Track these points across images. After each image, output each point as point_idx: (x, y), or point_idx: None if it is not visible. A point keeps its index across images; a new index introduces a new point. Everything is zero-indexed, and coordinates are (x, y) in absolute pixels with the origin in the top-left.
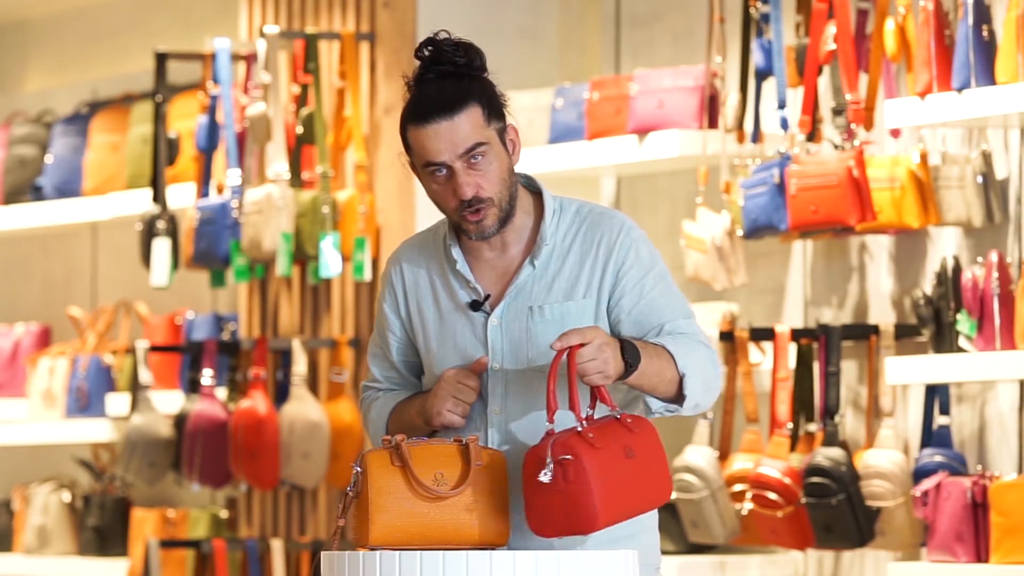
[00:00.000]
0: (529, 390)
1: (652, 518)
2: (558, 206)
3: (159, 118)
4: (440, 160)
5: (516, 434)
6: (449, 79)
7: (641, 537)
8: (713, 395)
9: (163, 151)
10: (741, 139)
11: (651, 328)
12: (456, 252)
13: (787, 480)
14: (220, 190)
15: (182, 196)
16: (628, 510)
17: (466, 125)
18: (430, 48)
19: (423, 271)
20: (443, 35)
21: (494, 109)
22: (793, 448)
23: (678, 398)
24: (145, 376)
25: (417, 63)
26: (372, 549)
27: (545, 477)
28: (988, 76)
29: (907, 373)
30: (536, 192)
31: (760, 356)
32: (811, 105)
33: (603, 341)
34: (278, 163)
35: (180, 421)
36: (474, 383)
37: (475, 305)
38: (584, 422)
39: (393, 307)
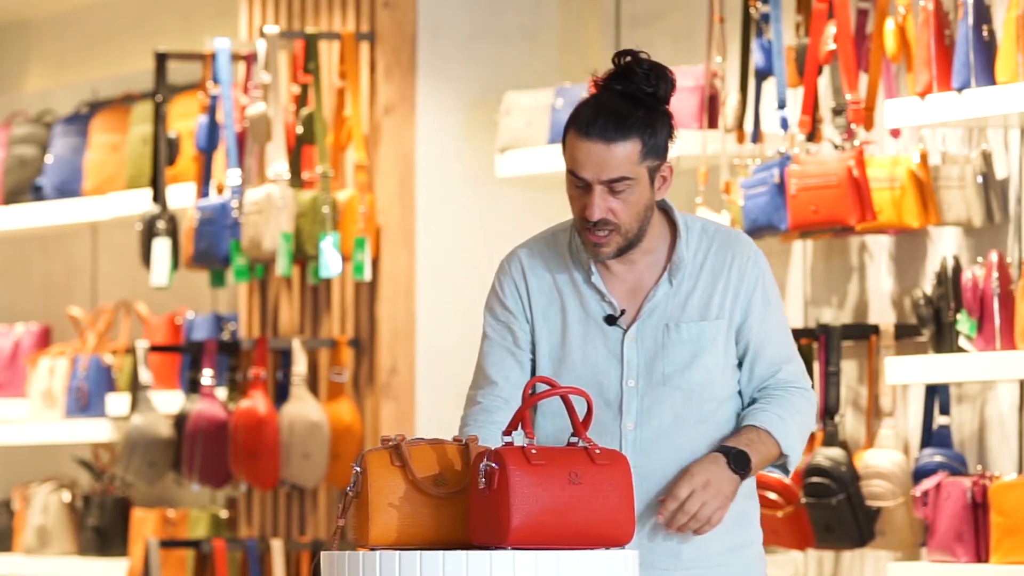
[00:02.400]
0: (662, 406)
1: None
2: (684, 225)
3: (159, 118)
4: (583, 176)
5: (649, 450)
6: (627, 101)
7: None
8: (807, 438)
9: (163, 151)
10: (741, 139)
11: (765, 364)
12: (591, 262)
13: (787, 480)
14: (220, 190)
15: (182, 196)
16: (559, 536)
17: (620, 157)
18: (627, 59)
19: (547, 277)
20: (644, 55)
21: (654, 148)
22: None
23: (783, 467)
24: (145, 376)
25: (611, 66)
26: (372, 549)
27: (479, 482)
28: (988, 76)
29: (907, 373)
30: (662, 209)
31: None
32: (811, 105)
33: (705, 484)
34: (278, 163)
35: (180, 421)
36: None
37: (611, 319)
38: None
39: (518, 305)
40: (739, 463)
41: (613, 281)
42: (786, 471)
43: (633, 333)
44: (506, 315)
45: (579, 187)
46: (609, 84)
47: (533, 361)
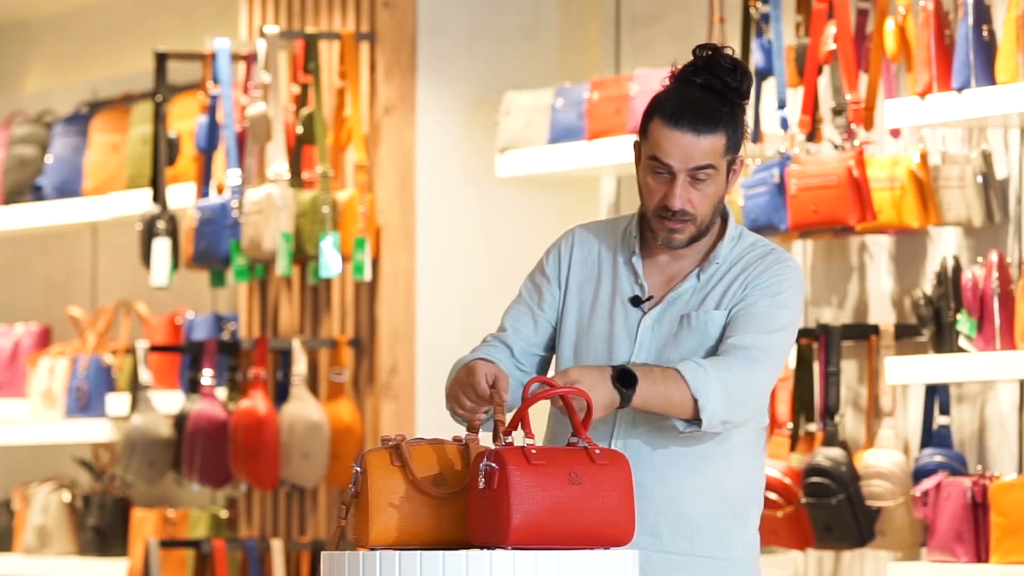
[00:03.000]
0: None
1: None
2: (737, 234)
3: (159, 118)
4: (668, 163)
5: (638, 434)
6: (714, 95)
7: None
8: (749, 410)
9: (163, 151)
10: None
11: (727, 335)
12: (637, 245)
13: (787, 480)
14: (220, 190)
15: (182, 196)
16: (559, 536)
17: (707, 147)
18: (709, 53)
19: (594, 253)
20: (728, 50)
21: (735, 142)
22: (793, 448)
23: (697, 419)
24: (145, 376)
25: (691, 58)
26: (372, 549)
27: (479, 482)
28: (988, 76)
29: (907, 373)
30: (721, 215)
31: None
32: (811, 105)
33: (575, 379)
34: (278, 163)
35: (180, 421)
36: (479, 388)
37: (636, 300)
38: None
39: (556, 274)
40: (623, 380)
41: (653, 268)
42: (699, 422)
43: (651, 318)
44: (541, 279)
45: (660, 174)
46: (691, 76)
47: (553, 328)
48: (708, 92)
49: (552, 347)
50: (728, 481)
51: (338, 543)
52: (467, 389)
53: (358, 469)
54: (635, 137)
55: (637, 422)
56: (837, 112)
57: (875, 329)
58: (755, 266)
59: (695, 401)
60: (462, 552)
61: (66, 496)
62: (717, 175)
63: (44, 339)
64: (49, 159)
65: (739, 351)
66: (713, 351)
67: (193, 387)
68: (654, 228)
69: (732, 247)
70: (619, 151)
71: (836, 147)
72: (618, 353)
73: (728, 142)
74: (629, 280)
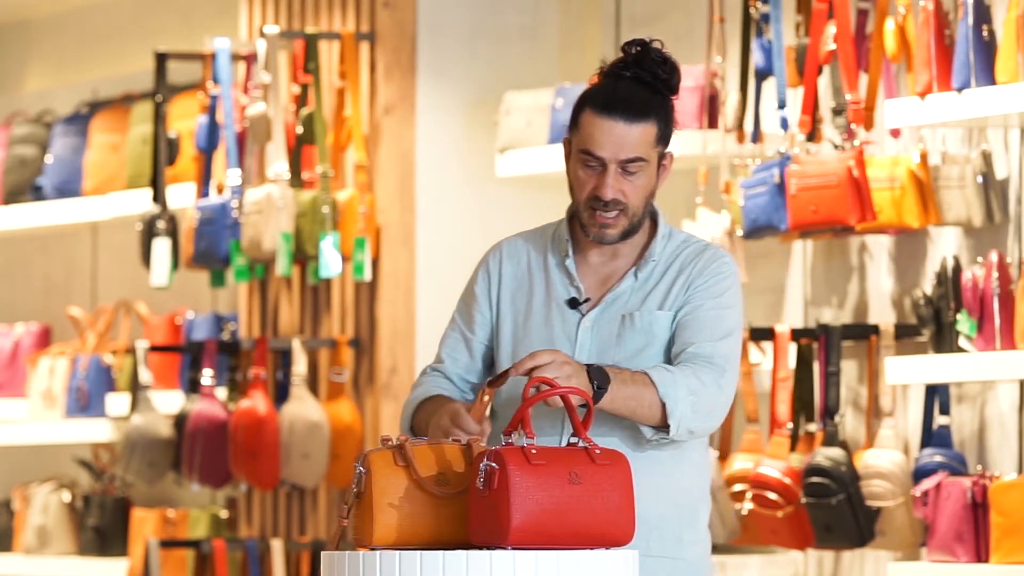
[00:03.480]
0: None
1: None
2: (668, 232)
3: (159, 118)
4: (600, 155)
5: (592, 434)
6: (644, 87)
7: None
8: (715, 420)
9: (163, 151)
10: (741, 139)
11: (681, 343)
12: (570, 247)
13: (787, 480)
14: (220, 190)
15: (182, 196)
16: (559, 536)
17: (638, 137)
18: (638, 48)
19: (524, 262)
20: (656, 44)
21: (666, 134)
22: (793, 448)
23: (665, 426)
24: (145, 376)
25: (620, 55)
26: (374, 549)
27: (479, 483)
28: (988, 76)
29: (907, 373)
30: (651, 214)
31: (760, 356)
32: (811, 105)
33: (563, 360)
34: (278, 163)
35: (180, 421)
36: (469, 429)
37: (573, 303)
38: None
39: (485, 291)
40: (597, 377)
41: (587, 270)
42: (667, 429)
43: (590, 320)
44: (471, 300)
45: (591, 166)
46: (621, 71)
47: (488, 347)
48: (639, 84)
49: (491, 365)
50: (683, 482)
51: (338, 543)
52: (458, 426)
53: (361, 469)
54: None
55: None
56: (837, 112)
57: (875, 329)
58: (693, 264)
59: (663, 406)
60: (462, 552)
61: (66, 496)
62: (648, 167)
63: (44, 339)
64: (49, 159)
65: (702, 360)
66: (660, 352)
67: (193, 387)
68: (585, 223)
69: (665, 244)
70: None
71: (836, 147)
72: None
73: (659, 133)
74: (563, 283)
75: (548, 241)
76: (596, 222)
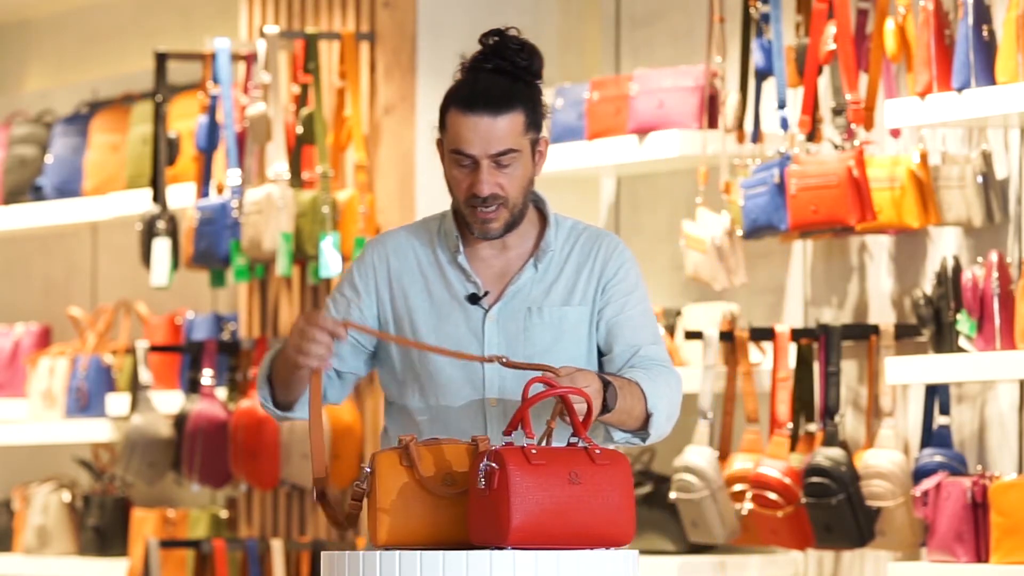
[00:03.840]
0: (520, 387)
1: None
2: (555, 220)
3: (159, 118)
4: (470, 152)
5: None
6: (505, 76)
7: None
8: (673, 423)
9: (163, 151)
10: (741, 139)
11: (624, 344)
12: (460, 243)
13: (787, 480)
14: (220, 190)
15: (182, 196)
16: (559, 536)
17: (506, 128)
18: (496, 39)
19: (412, 259)
20: (512, 32)
21: (535, 119)
22: (793, 448)
23: (642, 431)
24: (145, 376)
25: (478, 47)
26: (380, 549)
27: (479, 483)
28: (988, 76)
29: (907, 373)
30: (535, 203)
31: (760, 356)
32: (811, 105)
33: (581, 372)
34: (278, 163)
35: (180, 421)
36: (322, 332)
37: (473, 298)
38: (532, 438)
39: (368, 287)
40: (609, 396)
41: (480, 265)
42: (645, 437)
43: (494, 314)
44: (352, 293)
45: (464, 165)
46: (480, 64)
47: (363, 346)
48: (500, 75)
49: (360, 363)
50: None
51: (347, 523)
52: (310, 329)
53: (368, 470)
54: (633, 137)
55: (508, 411)
56: (837, 112)
57: (875, 329)
58: (595, 256)
59: (648, 417)
60: (462, 552)
61: (66, 496)
62: (522, 157)
63: (44, 339)
64: (49, 159)
65: (659, 365)
66: (571, 347)
67: (193, 387)
68: (468, 221)
69: (558, 235)
70: (619, 151)
71: (836, 147)
72: (466, 351)
73: (527, 120)
74: (459, 279)
75: (435, 236)
76: (478, 218)
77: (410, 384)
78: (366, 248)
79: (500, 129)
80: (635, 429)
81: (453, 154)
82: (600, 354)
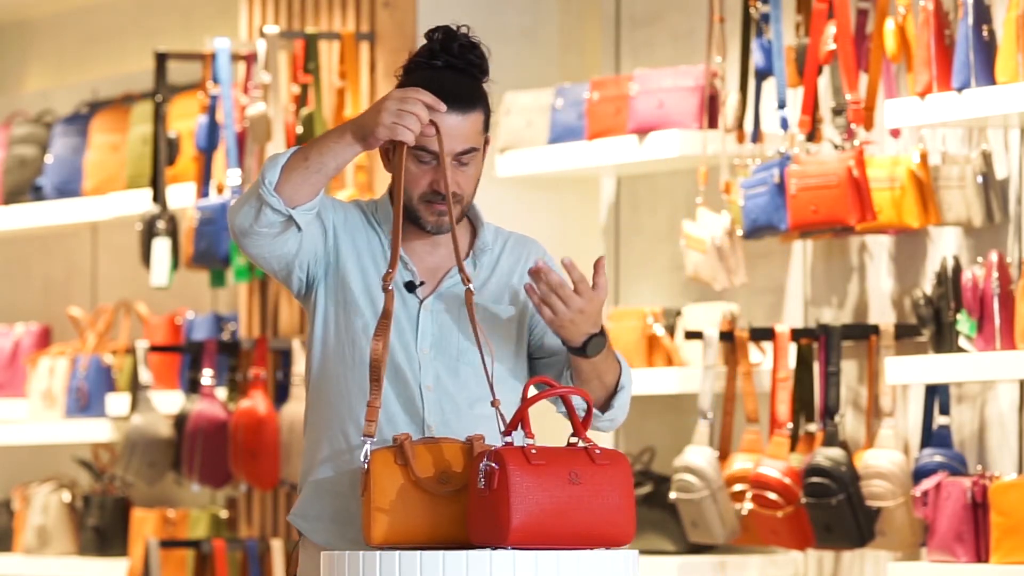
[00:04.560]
0: (457, 379)
1: None
2: (482, 219)
3: (159, 118)
4: (435, 150)
5: (447, 412)
6: (464, 76)
7: None
8: (623, 418)
9: (163, 151)
10: (741, 139)
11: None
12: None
13: (787, 480)
14: (220, 190)
15: (182, 196)
16: (559, 536)
17: (471, 127)
18: (441, 35)
19: (356, 230)
20: (463, 30)
21: (488, 119)
22: (793, 448)
23: (604, 407)
24: (145, 376)
25: (423, 42)
26: (373, 548)
27: (479, 483)
28: (988, 76)
29: (907, 373)
30: None
31: (760, 356)
32: (811, 105)
33: (586, 306)
34: None
35: (180, 421)
36: (423, 106)
37: (410, 286)
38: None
39: (327, 218)
40: (603, 335)
41: (415, 256)
42: (605, 409)
43: (429, 304)
44: (323, 211)
45: (425, 162)
46: (430, 60)
47: (311, 248)
48: (458, 74)
49: (313, 233)
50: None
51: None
52: (410, 103)
53: (365, 465)
54: (633, 137)
55: (446, 411)
56: (837, 112)
57: (875, 329)
58: (525, 262)
59: (616, 392)
60: (462, 552)
61: (66, 496)
62: (478, 156)
63: (44, 339)
64: (49, 159)
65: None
66: (502, 343)
67: (193, 387)
68: (420, 215)
69: (487, 235)
70: (619, 151)
71: (836, 147)
72: (403, 339)
73: (485, 120)
74: (399, 267)
75: (365, 220)
76: (434, 212)
77: (347, 351)
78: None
79: (467, 128)
80: (599, 398)
81: (415, 151)
82: (537, 357)
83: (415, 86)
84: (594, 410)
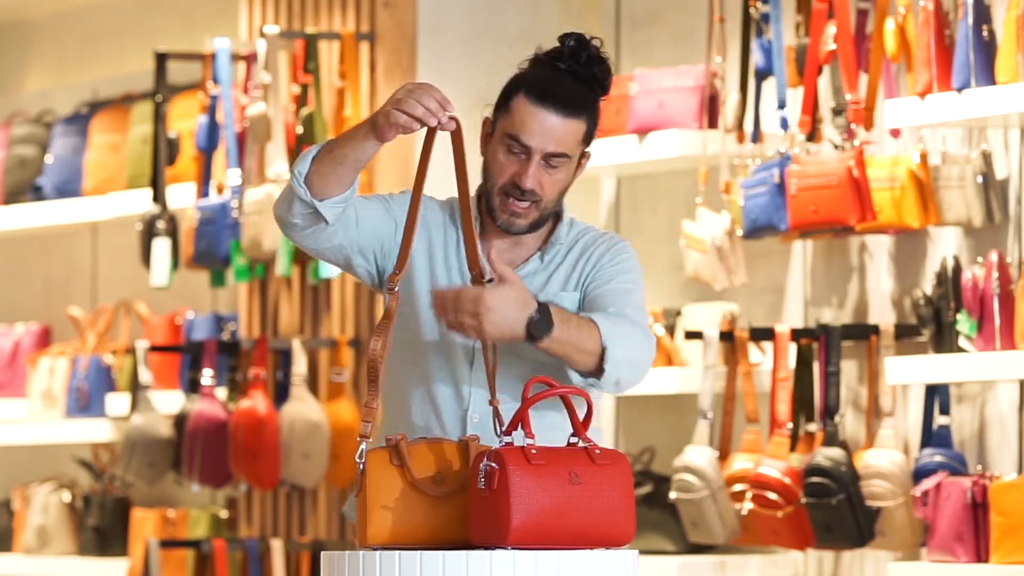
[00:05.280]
0: (509, 372)
1: None
2: (570, 220)
3: (159, 118)
4: (527, 143)
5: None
6: (581, 85)
7: None
8: (639, 374)
9: (163, 151)
10: (741, 139)
11: (599, 308)
12: (478, 226)
13: (787, 480)
14: (220, 190)
15: (182, 196)
16: (559, 536)
17: (569, 132)
18: (574, 43)
19: (439, 227)
20: (595, 42)
21: (591, 134)
22: (793, 448)
23: (598, 371)
24: (145, 376)
25: (556, 44)
26: (370, 548)
27: (479, 483)
28: (988, 76)
29: (907, 373)
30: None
31: (760, 356)
32: (811, 105)
33: (476, 295)
34: (278, 163)
35: (180, 421)
36: (437, 93)
37: (480, 278)
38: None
39: (399, 212)
40: (543, 313)
41: (490, 253)
42: (601, 375)
43: None
44: (384, 204)
45: (515, 152)
46: (556, 62)
47: (367, 242)
48: (575, 80)
49: (356, 252)
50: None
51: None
52: (423, 92)
53: (360, 467)
54: (633, 137)
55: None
56: (837, 112)
57: (875, 329)
58: (595, 248)
59: (603, 351)
60: (462, 552)
61: (66, 496)
62: (569, 164)
63: (44, 339)
64: (49, 159)
65: (627, 319)
66: None
67: (193, 387)
68: (496, 208)
69: (568, 231)
70: (619, 151)
71: (836, 147)
72: (466, 337)
73: (586, 131)
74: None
75: (446, 216)
76: (508, 209)
77: (403, 345)
78: (405, 191)
79: (563, 131)
80: (590, 369)
81: (508, 138)
82: None
83: (532, 78)
84: (590, 378)
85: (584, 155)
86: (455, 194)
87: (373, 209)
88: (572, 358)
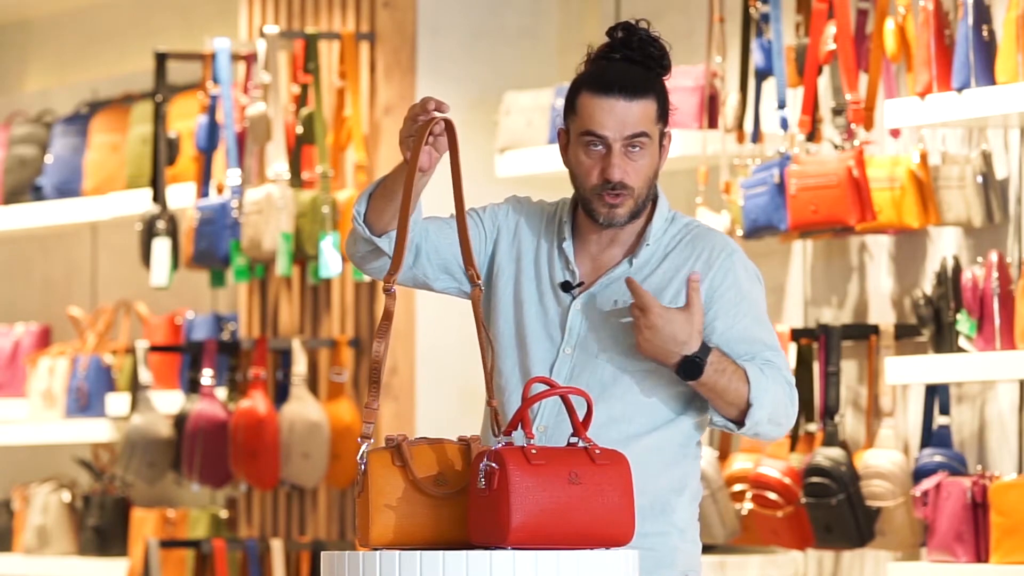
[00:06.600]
0: (591, 377)
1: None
2: (671, 216)
3: (159, 118)
4: (603, 134)
5: (560, 423)
6: (637, 66)
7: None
8: (780, 430)
9: (163, 151)
10: (741, 139)
11: (740, 355)
12: (568, 231)
13: (787, 480)
14: (220, 190)
15: (182, 196)
16: (559, 536)
17: (640, 112)
18: (623, 31)
19: (520, 231)
20: (643, 24)
21: (664, 111)
22: (793, 448)
23: (739, 423)
24: (145, 376)
25: (606, 39)
26: (372, 549)
27: (479, 483)
28: (988, 76)
29: (907, 373)
30: (653, 199)
31: None
32: (811, 105)
33: (650, 307)
34: (278, 163)
35: (180, 421)
36: (428, 103)
37: (566, 286)
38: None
39: (491, 223)
40: (699, 357)
41: (583, 255)
42: (739, 425)
43: (579, 303)
44: (478, 216)
45: (594, 150)
46: (609, 54)
47: (455, 257)
48: (632, 64)
49: (441, 272)
50: (649, 470)
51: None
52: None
53: (362, 467)
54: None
55: (561, 413)
56: (837, 112)
57: (875, 329)
58: (698, 258)
59: (749, 407)
60: (462, 552)
61: (66, 496)
62: (651, 144)
63: (44, 339)
64: (49, 159)
65: (778, 371)
66: None
67: (193, 387)
68: (593, 207)
69: (666, 228)
70: None
71: (836, 147)
72: (551, 337)
73: (659, 109)
74: (560, 266)
75: (545, 221)
76: (605, 203)
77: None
78: (508, 199)
79: (634, 113)
80: (732, 418)
81: (584, 136)
82: None
83: (589, 75)
84: (729, 424)
85: (664, 135)
86: (548, 197)
87: (454, 230)
88: (715, 404)
